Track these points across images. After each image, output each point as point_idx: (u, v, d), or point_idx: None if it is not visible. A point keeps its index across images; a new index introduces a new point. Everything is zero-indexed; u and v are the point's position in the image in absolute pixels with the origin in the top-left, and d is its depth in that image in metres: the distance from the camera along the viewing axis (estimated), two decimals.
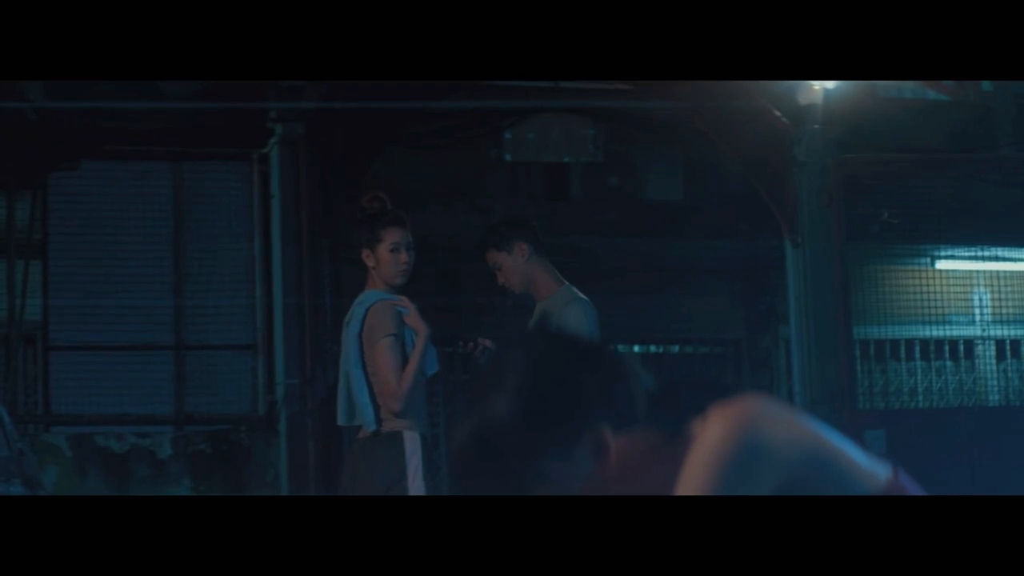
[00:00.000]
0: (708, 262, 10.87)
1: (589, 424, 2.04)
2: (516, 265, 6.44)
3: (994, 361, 10.28)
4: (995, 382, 10.24)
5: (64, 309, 9.01)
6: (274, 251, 9.02)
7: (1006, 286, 10.14)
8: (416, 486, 5.81)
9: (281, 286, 8.94)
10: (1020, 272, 10.29)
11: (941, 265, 10.08)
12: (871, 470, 2.10)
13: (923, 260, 10.06)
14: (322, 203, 8.97)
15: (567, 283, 6.47)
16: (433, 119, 9.67)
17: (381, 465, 5.87)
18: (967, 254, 10.03)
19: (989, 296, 10.21)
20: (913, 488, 2.13)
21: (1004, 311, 10.16)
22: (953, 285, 9.95)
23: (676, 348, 11.45)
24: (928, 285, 9.72)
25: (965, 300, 10.21)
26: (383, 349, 5.90)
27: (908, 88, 9.53)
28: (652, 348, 11.33)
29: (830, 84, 8.73)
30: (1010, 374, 10.34)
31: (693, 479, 1.99)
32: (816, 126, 8.95)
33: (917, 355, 10.19)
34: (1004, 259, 10.19)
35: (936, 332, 10.07)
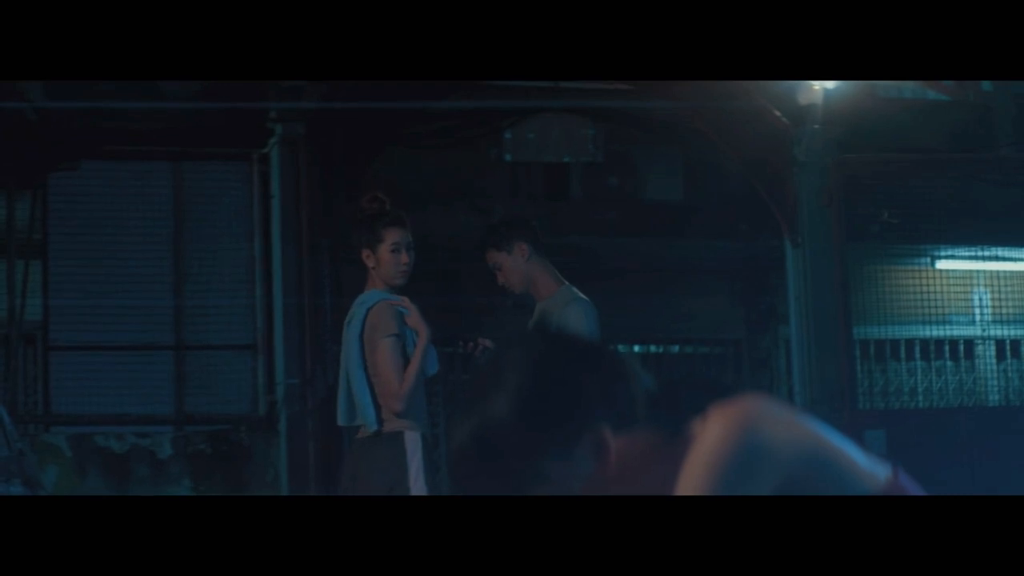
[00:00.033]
0: (708, 262, 10.87)
1: (589, 424, 2.04)
2: (516, 265, 6.44)
3: (994, 361, 10.28)
4: (995, 382, 10.24)
5: (64, 309, 9.01)
6: (274, 251, 9.02)
7: (1006, 286, 10.14)
8: (418, 486, 5.82)
9: (281, 286, 8.94)
10: (1020, 272, 10.29)
11: (941, 265, 10.08)
12: (871, 470, 2.10)
13: (923, 260, 10.06)
14: (322, 203, 8.97)
15: (567, 283, 6.47)
16: (433, 119, 9.67)
17: (382, 465, 5.87)
18: (967, 254, 10.03)
19: (989, 296, 10.21)
20: (913, 488, 2.13)
21: (1004, 311, 10.16)
22: (953, 285, 9.95)
23: (676, 348, 11.45)
24: (928, 285, 9.72)
25: (965, 300, 10.21)
26: (385, 349, 5.90)
27: (908, 88, 9.53)
28: (652, 348, 11.34)
29: (830, 84, 8.73)
30: (1010, 374, 10.34)
31: (693, 479, 1.99)
32: (816, 126, 8.95)
33: (917, 355, 10.19)
34: (1004, 259, 10.19)
35: (936, 332, 10.07)
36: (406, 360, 5.91)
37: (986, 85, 9.58)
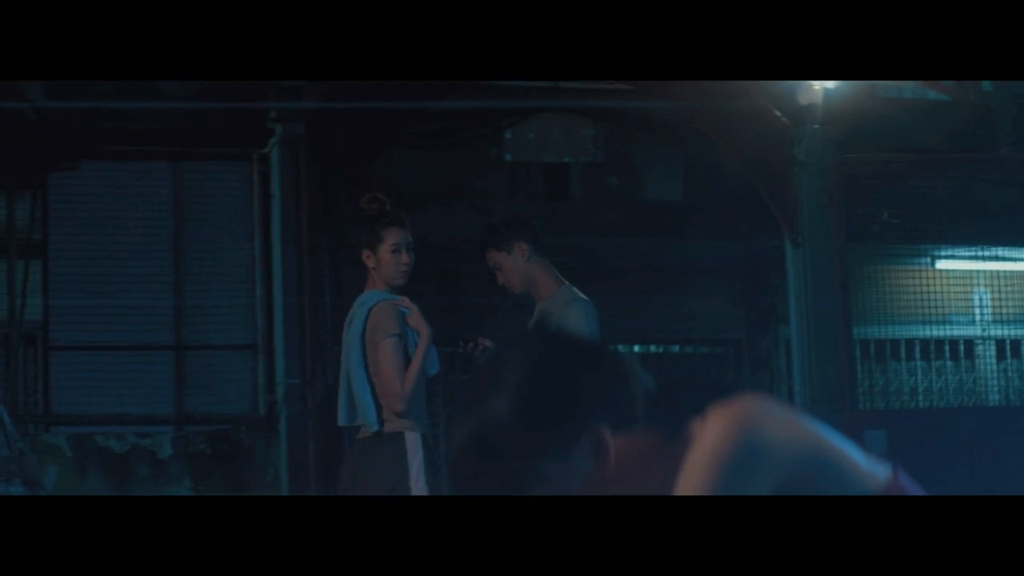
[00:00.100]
0: (708, 262, 10.87)
1: (588, 424, 2.04)
2: (516, 265, 6.44)
3: (994, 361, 10.28)
4: (995, 382, 10.23)
5: (64, 309, 9.02)
6: (274, 251, 9.02)
7: (1006, 286, 10.14)
8: (419, 487, 5.82)
9: (281, 286, 8.94)
10: (1020, 272, 10.29)
11: (941, 265, 10.07)
12: (871, 470, 2.10)
13: (923, 260, 10.06)
14: (322, 203, 8.97)
15: (567, 283, 6.47)
16: (433, 119, 9.67)
17: (383, 465, 5.88)
18: (967, 254, 10.03)
19: (989, 296, 10.20)
20: (913, 488, 2.13)
21: (1004, 311, 10.16)
22: (953, 285, 9.95)
23: (676, 348, 11.45)
24: (928, 285, 9.72)
25: (965, 300, 10.20)
26: (386, 349, 5.91)
27: (908, 88, 9.53)
28: (652, 348, 11.33)
29: (830, 84, 8.73)
30: (1010, 374, 10.34)
31: (692, 479, 1.99)
32: (816, 126, 8.95)
33: (917, 355, 10.18)
34: (1004, 259, 10.19)
35: (936, 332, 10.07)
36: (407, 360, 5.92)
37: (986, 85, 9.58)
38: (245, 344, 9.21)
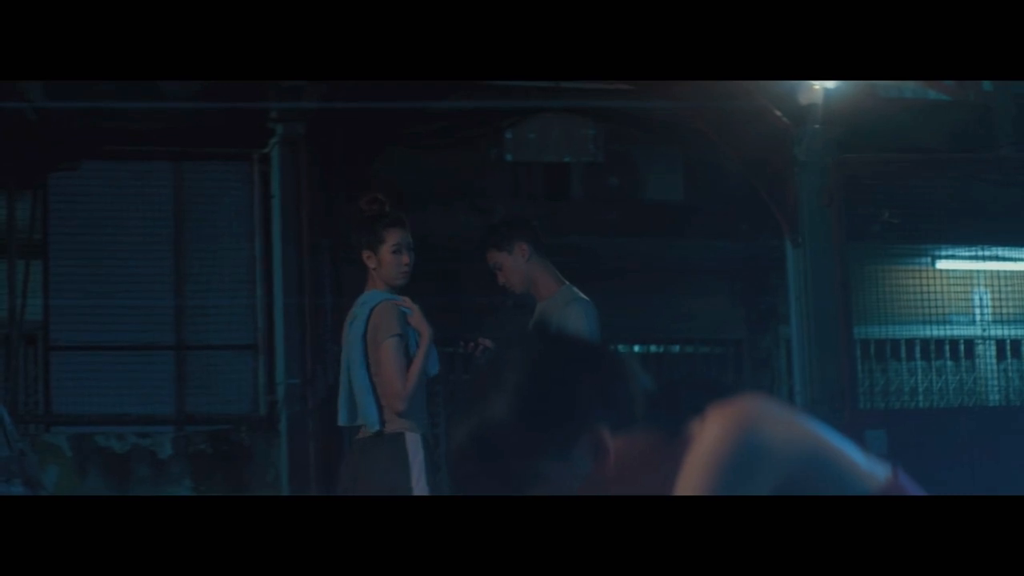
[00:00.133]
0: (708, 262, 10.87)
1: (588, 424, 2.04)
2: (517, 265, 6.44)
3: (994, 361, 10.28)
4: (995, 382, 10.23)
5: (65, 309, 9.01)
6: (274, 251, 9.02)
7: (1006, 286, 10.14)
8: (420, 488, 5.82)
9: (281, 286, 8.94)
10: (1020, 272, 10.29)
11: (941, 265, 10.07)
12: (870, 470, 2.10)
13: (923, 260, 10.06)
14: (322, 203, 8.97)
15: (567, 283, 6.47)
16: (433, 119, 9.67)
17: (384, 466, 5.88)
18: (967, 254, 10.03)
19: (989, 296, 10.20)
20: (912, 488, 2.13)
21: (1004, 311, 10.16)
22: (953, 285, 9.95)
23: (676, 348, 11.45)
24: (928, 285, 9.72)
25: (965, 300, 10.20)
26: (388, 349, 5.91)
27: (908, 88, 9.53)
28: (652, 348, 11.34)
29: (830, 84, 8.73)
30: (1010, 374, 10.33)
31: (692, 479, 1.99)
32: (816, 126, 8.95)
33: (918, 355, 10.18)
34: (1004, 259, 10.19)
35: (936, 332, 10.07)
36: (408, 360, 5.92)
37: (986, 85, 9.57)
38: (245, 344, 9.20)
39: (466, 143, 9.92)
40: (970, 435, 9.08)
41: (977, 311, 10.25)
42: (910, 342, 10.12)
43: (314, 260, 8.93)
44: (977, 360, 10.29)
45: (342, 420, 6.14)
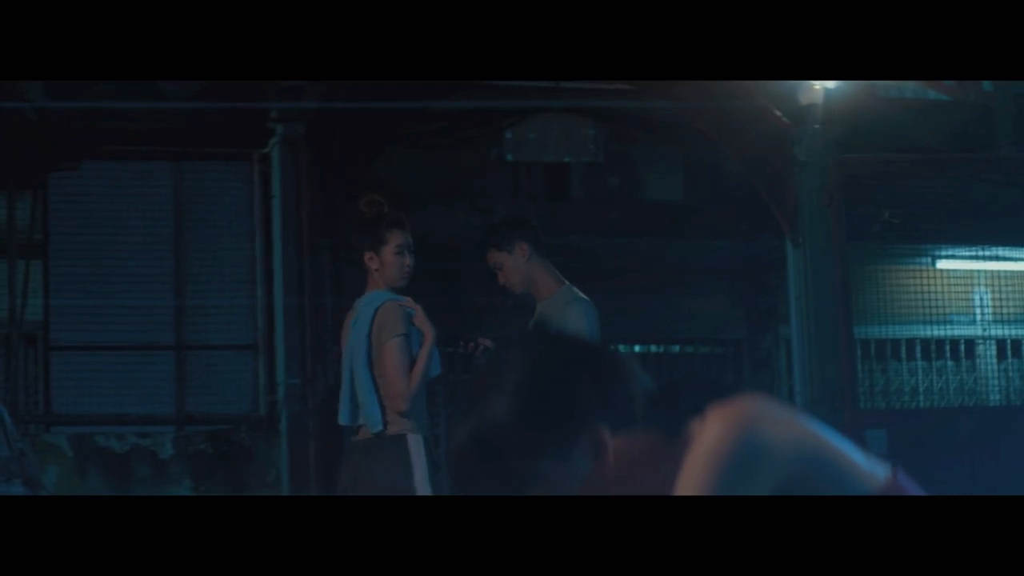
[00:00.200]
0: (708, 262, 10.87)
1: (588, 424, 2.04)
2: (517, 265, 6.45)
3: (995, 361, 10.28)
4: (996, 382, 10.23)
5: (65, 309, 9.01)
6: (275, 251, 9.01)
7: (1007, 286, 10.14)
8: (423, 489, 5.83)
9: (282, 286, 8.93)
10: (1021, 272, 10.29)
11: (942, 265, 10.07)
12: (870, 470, 2.10)
13: (924, 260, 10.06)
14: (322, 203, 8.97)
15: (568, 283, 6.47)
16: (433, 119, 9.67)
17: (385, 467, 5.88)
18: (968, 254, 10.02)
19: (990, 296, 10.20)
20: (912, 488, 2.13)
21: (1005, 311, 10.16)
22: (954, 285, 9.94)
23: (676, 348, 11.45)
24: (929, 285, 9.71)
25: (966, 300, 10.20)
26: (393, 349, 5.92)
27: (908, 88, 9.53)
28: (652, 348, 11.33)
29: (831, 84, 8.73)
30: (1011, 374, 10.33)
31: (692, 479, 1.99)
32: (817, 126, 8.95)
33: (918, 355, 10.18)
34: (1005, 259, 10.18)
35: (937, 332, 10.07)
36: (412, 360, 5.93)
37: (986, 85, 9.57)
38: (246, 344, 9.20)
39: (466, 143, 9.92)
40: (970, 435, 9.07)
41: (977, 311, 10.25)
42: (910, 342, 10.12)
43: (314, 260, 8.92)
44: (977, 360, 10.28)
45: (343, 420, 6.14)
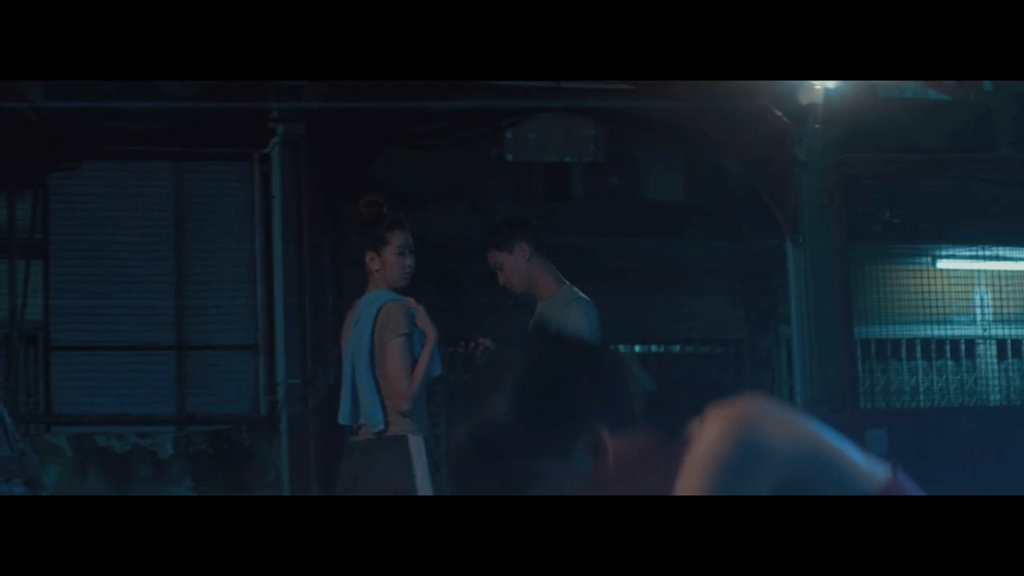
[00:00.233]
0: (708, 262, 10.87)
1: (587, 424, 2.04)
2: (517, 265, 6.45)
3: (995, 360, 10.28)
4: (996, 382, 10.23)
5: (65, 309, 9.01)
6: (275, 251, 9.02)
7: (1007, 285, 10.14)
8: (424, 490, 5.83)
9: (282, 286, 8.94)
10: (1021, 272, 10.29)
11: (942, 265, 10.07)
12: (870, 470, 2.10)
13: (924, 260, 10.06)
14: (323, 203, 8.97)
15: (568, 283, 6.47)
16: (433, 119, 9.67)
17: (386, 468, 5.88)
18: (968, 254, 10.02)
19: (990, 295, 10.20)
20: (912, 488, 2.13)
21: (1005, 310, 10.16)
22: (954, 285, 9.95)
23: (677, 348, 11.45)
24: (929, 285, 9.72)
25: (966, 300, 10.20)
26: (395, 348, 5.93)
27: (909, 88, 9.53)
28: (652, 348, 11.33)
29: (831, 84, 8.73)
30: (1011, 373, 10.33)
31: (691, 479, 1.99)
32: (817, 126, 8.95)
33: (918, 355, 10.18)
34: (1005, 258, 10.18)
35: (937, 332, 10.07)
36: (413, 360, 5.94)
37: (986, 85, 9.57)
38: (246, 344, 9.20)
39: (466, 143, 9.92)
40: (971, 435, 9.08)
41: (978, 311, 10.25)
42: (911, 342, 10.12)
43: (314, 260, 8.92)
44: (978, 360, 10.28)
45: (344, 419, 6.14)
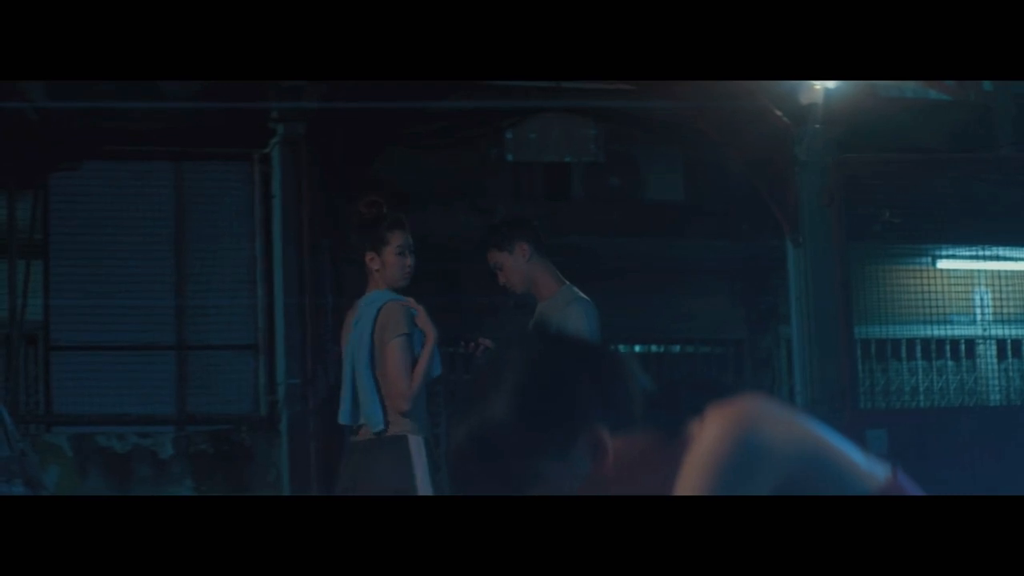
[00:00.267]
0: (708, 262, 10.86)
1: (587, 424, 2.04)
2: (517, 265, 6.45)
3: (995, 360, 10.28)
4: (996, 382, 10.23)
5: (65, 309, 9.01)
6: (275, 251, 9.02)
7: (1007, 285, 10.14)
8: (424, 490, 5.83)
9: (282, 286, 8.94)
10: (1021, 271, 10.29)
11: (942, 264, 10.07)
12: (870, 470, 2.10)
13: (924, 260, 10.06)
14: (323, 203, 8.97)
15: (568, 283, 6.47)
16: (433, 119, 9.67)
17: (386, 468, 5.88)
18: (968, 253, 10.02)
19: (990, 295, 10.20)
20: (911, 488, 2.13)
21: (1005, 310, 10.16)
22: (954, 284, 9.94)
23: (677, 348, 11.45)
24: (929, 285, 9.71)
25: (966, 299, 10.20)
26: (396, 348, 5.93)
27: (909, 88, 9.53)
28: (652, 348, 11.33)
29: (831, 84, 8.73)
30: (1011, 373, 10.33)
31: (691, 479, 1.99)
32: (817, 126, 8.95)
33: (918, 355, 10.18)
34: (1005, 258, 10.18)
35: (937, 332, 10.07)
36: (414, 360, 5.94)
37: (986, 85, 9.57)
38: (246, 344, 9.20)
39: (466, 143, 9.92)
40: (971, 435, 9.07)
41: (978, 311, 10.25)
42: (911, 342, 10.11)
43: (314, 260, 8.93)
44: (978, 360, 10.28)
45: (343, 419, 6.14)
